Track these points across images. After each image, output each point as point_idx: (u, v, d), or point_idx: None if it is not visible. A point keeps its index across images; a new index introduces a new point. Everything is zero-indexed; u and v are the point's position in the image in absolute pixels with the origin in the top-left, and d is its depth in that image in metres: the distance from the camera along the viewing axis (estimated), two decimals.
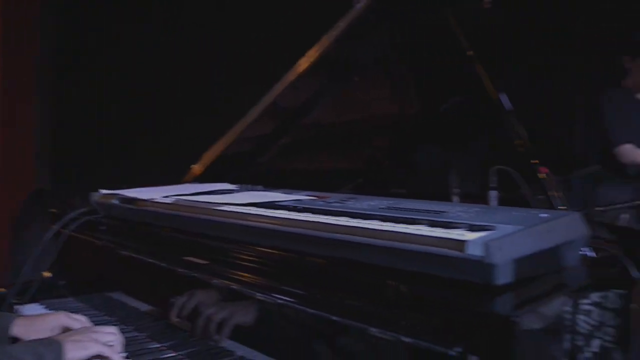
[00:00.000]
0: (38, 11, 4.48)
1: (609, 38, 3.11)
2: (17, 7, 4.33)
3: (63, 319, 1.33)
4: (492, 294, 0.88)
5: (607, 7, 3.29)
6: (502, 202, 1.53)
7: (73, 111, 4.50)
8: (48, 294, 1.83)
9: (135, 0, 4.23)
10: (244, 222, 1.27)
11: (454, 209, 1.18)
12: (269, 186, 1.78)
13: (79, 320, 1.33)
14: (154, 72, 4.03)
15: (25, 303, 1.74)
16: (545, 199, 1.36)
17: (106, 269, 1.75)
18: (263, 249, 1.27)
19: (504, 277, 0.89)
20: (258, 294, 1.18)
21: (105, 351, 1.17)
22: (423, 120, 2.08)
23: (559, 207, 1.33)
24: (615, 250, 1.16)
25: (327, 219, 1.13)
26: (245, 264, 1.27)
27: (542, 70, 3.41)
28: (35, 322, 1.34)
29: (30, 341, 1.22)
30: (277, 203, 1.37)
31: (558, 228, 1.03)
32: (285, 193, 1.54)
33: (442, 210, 1.17)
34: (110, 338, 1.22)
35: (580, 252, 1.08)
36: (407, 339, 0.90)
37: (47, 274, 1.87)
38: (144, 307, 1.55)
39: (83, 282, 1.86)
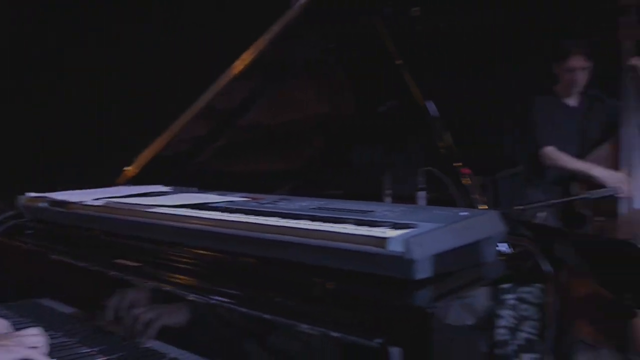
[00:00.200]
0: None
1: (539, 44, 3.27)
2: None
3: None
4: (412, 288, 0.93)
5: (536, 14, 3.48)
6: (433, 202, 1.60)
7: None
8: None
9: None
10: (175, 224, 1.27)
11: (382, 209, 1.23)
12: (206, 188, 1.78)
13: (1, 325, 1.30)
14: (85, 70, 3.91)
15: None
16: (467, 198, 1.43)
17: (34, 274, 1.70)
18: (195, 250, 1.27)
19: (423, 271, 0.93)
20: (190, 295, 1.19)
21: (31, 354, 1.15)
22: (359, 122, 2.13)
23: (479, 206, 1.41)
24: (530, 246, 1.24)
25: (257, 219, 1.15)
26: (177, 265, 1.27)
27: (475, 76, 3.55)
28: None
29: None
30: (209, 204, 1.38)
31: (476, 225, 1.09)
32: (219, 195, 1.55)
33: (370, 210, 1.21)
34: (34, 340, 1.19)
35: (498, 248, 1.15)
36: (333, 334, 0.94)
37: None
38: (73, 312, 1.52)
39: (9, 289, 1.80)
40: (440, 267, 0.97)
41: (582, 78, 2.91)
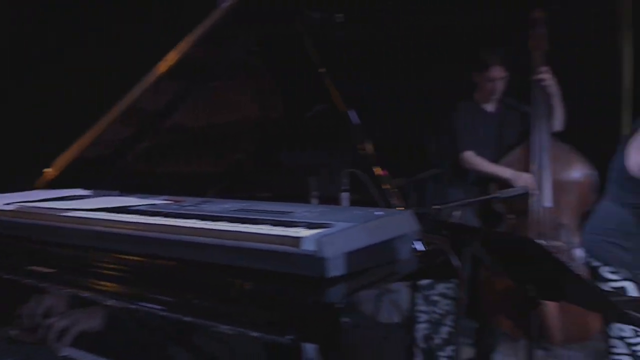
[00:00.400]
0: None
1: (460, 54, 3.41)
2: None
3: None
4: (325, 286, 0.96)
5: (458, 25, 3.63)
6: (358, 203, 1.64)
7: None
8: None
9: None
10: (91, 228, 1.24)
11: (301, 210, 1.25)
12: (129, 191, 1.74)
13: None
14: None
15: None
16: (385, 199, 1.48)
17: None
18: (112, 254, 1.25)
19: (335, 269, 0.96)
20: (107, 300, 1.17)
21: None
22: (288, 125, 2.15)
23: (396, 206, 1.46)
24: (442, 244, 1.30)
25: (175, 221, 1.15)
26: (94, 270, 1.25)
27: (401, 81, 3.67)
28: None
29: None
30: (128, 207, 1.35)
31: (390, 224, 1.14)
32: (140, 198, 1.53)
33: (290, 211, 1.23)
34: None
35: (412, 246, 1.20)
36: (251, 333, 0.95)
37: None
38: None
39: None
40: (354, 264, 1.01)
41: (500, 87, 3.08)
